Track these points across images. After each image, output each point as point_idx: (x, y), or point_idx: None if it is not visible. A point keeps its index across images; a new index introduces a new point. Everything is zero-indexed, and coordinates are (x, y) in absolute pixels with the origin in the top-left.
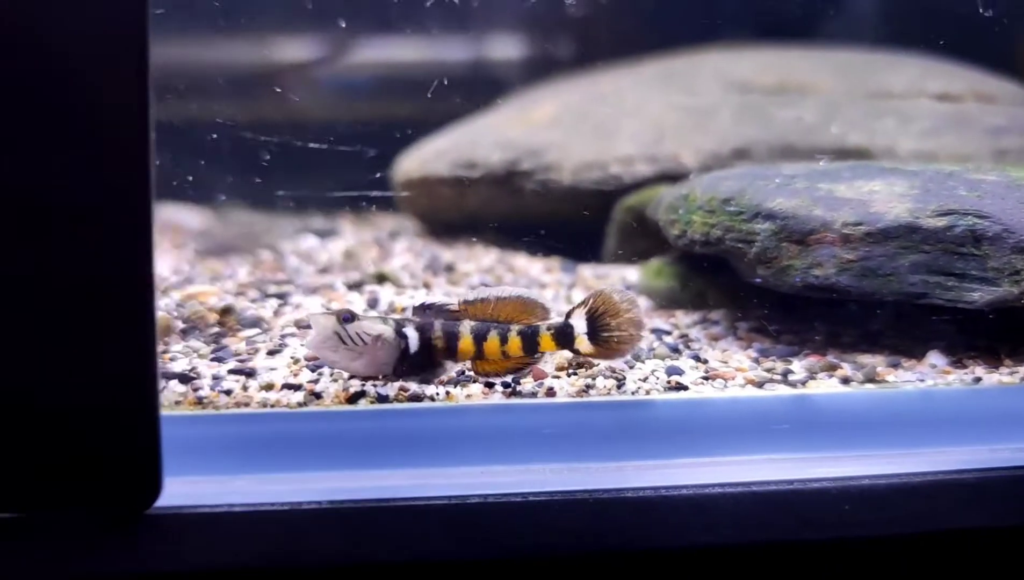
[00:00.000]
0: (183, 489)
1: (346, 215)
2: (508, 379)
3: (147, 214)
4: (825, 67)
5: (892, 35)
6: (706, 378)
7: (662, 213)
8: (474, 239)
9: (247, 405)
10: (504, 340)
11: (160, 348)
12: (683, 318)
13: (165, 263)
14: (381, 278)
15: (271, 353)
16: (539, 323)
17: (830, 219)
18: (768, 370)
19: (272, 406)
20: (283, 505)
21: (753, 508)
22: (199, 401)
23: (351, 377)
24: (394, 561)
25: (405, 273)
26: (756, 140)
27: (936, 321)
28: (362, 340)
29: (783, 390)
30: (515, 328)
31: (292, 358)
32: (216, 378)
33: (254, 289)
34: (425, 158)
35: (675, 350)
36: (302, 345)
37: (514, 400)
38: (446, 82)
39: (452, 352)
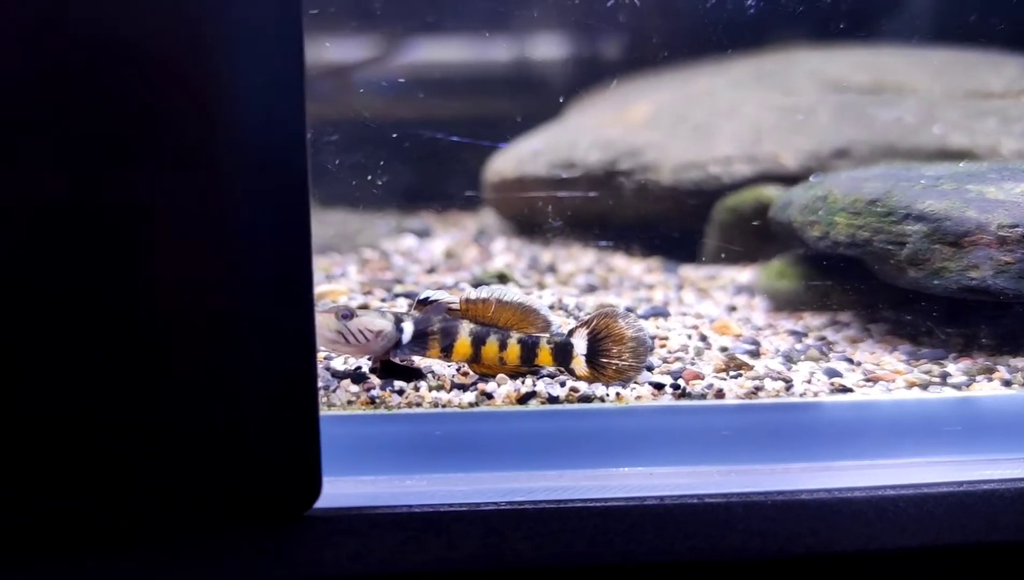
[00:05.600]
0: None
1: (430, 214)
2: (677, 382)
3: (305, 213)
4: (920, 66)
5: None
6: (867, 380)
7: (796, 214)
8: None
9: (419, 405)
10: (503, 346)
11: None
12: (811, 320)
13: None
14: (503, 278)
15: None
16: (540, 335)
17: (985, 221)
18: (926, 372)
19: (444, 406)
20: (462, 506)
21: (936, 510)
22: (372, 401)
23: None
24: (574, 564)
25: (514, 273)
26: (856, 140)
27: None
28: (364, 336)
29: (948, 393)
30: (515, 336)
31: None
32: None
33: (379, 288)
34: (521, 158)
35: (821, 352)
36: None
37: (683, 402)
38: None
39: (447, 351)
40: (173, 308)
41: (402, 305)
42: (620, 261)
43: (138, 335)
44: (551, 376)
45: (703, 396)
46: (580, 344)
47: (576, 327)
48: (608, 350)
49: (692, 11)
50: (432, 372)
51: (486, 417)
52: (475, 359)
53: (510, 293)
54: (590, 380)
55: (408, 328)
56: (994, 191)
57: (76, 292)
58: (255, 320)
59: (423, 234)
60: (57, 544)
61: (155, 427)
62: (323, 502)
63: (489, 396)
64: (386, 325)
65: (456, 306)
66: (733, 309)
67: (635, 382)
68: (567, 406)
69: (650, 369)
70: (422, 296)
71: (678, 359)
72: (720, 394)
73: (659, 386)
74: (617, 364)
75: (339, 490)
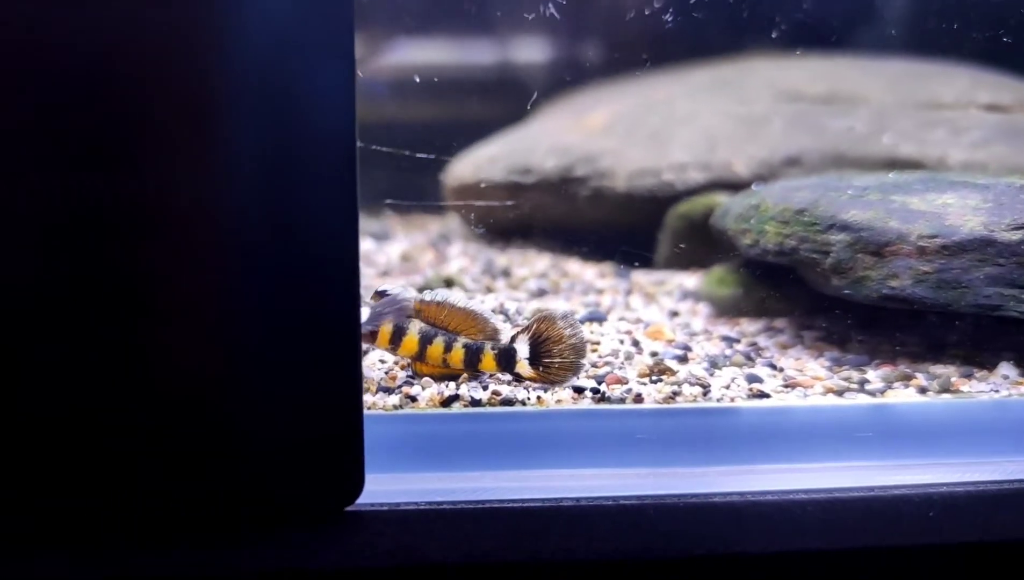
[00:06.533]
0: None
1: (393, 217)
2: (597, 386)
3: (353, 209)
4: (874, 77)
5: (938, 44)
6: (786, 386)
7: (731, 222)
8: (530, 246)
9: None
10: (448, 349)
11: None
12: (748, 326)
13: None
14: (449, 282)
15: None
16: (485, 341)
17: (905, 231)
18: (845, 379)
19: (369, 409)
20: (382, 506)
21: (843, 514)
22: None
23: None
24: (480, 561)
25: (465, 277)
26: (808, 149)
27: (1007, 333)
28: None
29: (863, 399)
30: (461, 340)
31: (380, 360)
32: None
33: None
34: (479, 163)
35: (748, 358)
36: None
37: (603, 406)
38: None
39: (395, 345)
40: (220, 306)
41: None
42: (574, 266)
43: (186, 333)
44: (482, 384)
45: (622, 400)
46: (523, 349)
47: (517, 333)
48: (550, 350)
49: (655, 20)
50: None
51: (410, 420)
52: (420, 357)
53: (463, 300)
54: (537, 380)
55: (364, 311)
56: (917, 202)
57: (119, 288)
58: (301, 317)
59: (381, 237)
60: (95, 540)
61: (204, 425)
62: None
63: (413, 399)
64: None
65: (410, 305)
66: (675, 314)
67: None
68: (489, 409)
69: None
70: (380, 288)
71: (607, 364)
72: (639, 398)
73: (579, 390)
74: (559, 362)
75: None
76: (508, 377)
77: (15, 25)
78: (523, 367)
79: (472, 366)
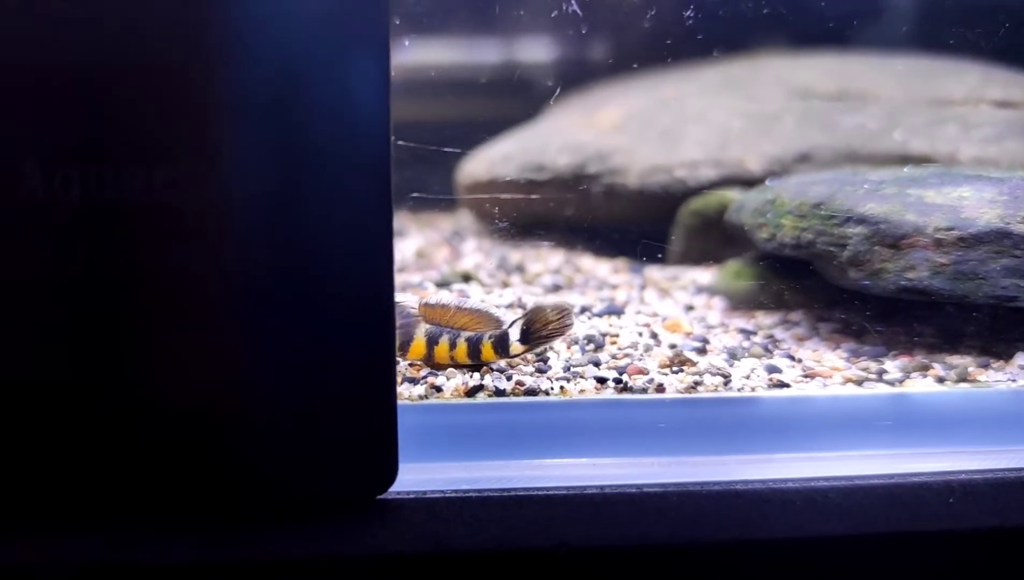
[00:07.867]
0: None
1: (406, 214)
2: (620, 377)
3: (388, 202)
4: (885, 74)
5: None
6: (805, 376)
7: (747, 217)
8: (544, 242)
9: None
10: (453, 346)
11: None
12: (764, 319)
13: None
14: (467, 277)
15: None
16: (483, 333)
17: (922, 224)
18: (863, 369)
19: None
20: (409, 494)
21: (864, 501)
22: None
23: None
24: (508, 548)
25: (480, 272)
26: (819, 146)
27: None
28: None
29: (881, 389)
30: (464, 335)
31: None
32: None
33: None
34: (492, 160)
35: (766, 349)
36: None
37: (625, 395)
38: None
39: (404, 349)
40: (257, 297)
41: None
42: (588, 262)
43: (226, 325)
44: (506, 375)
45: (644, 390)
46: (514, 333)
47: (512, 322)
48: (539, 331)
49: (665, 18)
50: None
51: (435, 410)
52: (428, 358)
53: (466, 300)
54: (527, 350)
55: None
56: (933, 195)
57: (148, 281)
58: (336, 313)
59: (396, 235)
60: (129, 526)
61: (235, 413)
62: None
63: (438, 389)
64: None
65: (416, 310)
66: (691, 308)
67: (581, 376)
68: (513, 399)
69: (597, 364)
70: None
71: (627, 356)
72: (661, 388)
73: (602, 380)
74: (549, 331)
75: None
76: (531, 368)
77: (31, 11)
78: (516, 348)
79: (476, 358)
